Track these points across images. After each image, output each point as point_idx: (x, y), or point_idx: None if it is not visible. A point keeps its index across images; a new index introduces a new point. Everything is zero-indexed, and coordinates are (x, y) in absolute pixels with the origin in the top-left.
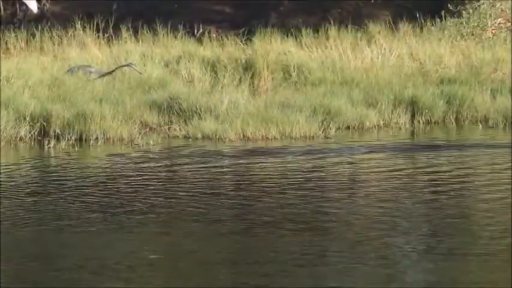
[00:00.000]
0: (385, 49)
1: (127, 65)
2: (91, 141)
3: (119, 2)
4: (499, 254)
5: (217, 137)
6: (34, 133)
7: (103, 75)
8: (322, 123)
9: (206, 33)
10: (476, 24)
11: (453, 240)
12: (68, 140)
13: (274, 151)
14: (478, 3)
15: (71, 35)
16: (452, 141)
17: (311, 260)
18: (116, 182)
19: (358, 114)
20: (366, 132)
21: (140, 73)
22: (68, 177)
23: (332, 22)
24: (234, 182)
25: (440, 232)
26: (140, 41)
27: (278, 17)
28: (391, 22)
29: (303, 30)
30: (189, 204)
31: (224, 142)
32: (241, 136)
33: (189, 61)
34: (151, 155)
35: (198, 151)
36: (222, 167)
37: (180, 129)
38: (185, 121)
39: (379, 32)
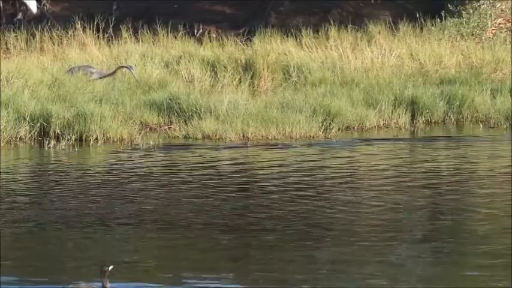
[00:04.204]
0: (385, 49)
1: (127, 67)
2: (91, 142)
3: (118, 2)
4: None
5: (217, 137)
6: (34, 133)
7: (104, 77)
8: (323, 123)
9: (206, 34)
10: (476, 24)
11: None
12: (68, 140)
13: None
14: (478, 4)
15: (71, 35)
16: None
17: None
18: (115, 183)
19: (358, 114)
20: (366, 132)
21: (137, 80)
22: (67, 177)
23: (332, 22)
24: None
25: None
26: (140, 41)
27: (278, 17)
28: (391, 22)
29: (303, 31)
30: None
31: (225, 142)
32: (242, 136)
33: (189, 61)
34: (151, 155)
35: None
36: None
37: (180, 129)
38: (185, 121)
39: (379, 32)
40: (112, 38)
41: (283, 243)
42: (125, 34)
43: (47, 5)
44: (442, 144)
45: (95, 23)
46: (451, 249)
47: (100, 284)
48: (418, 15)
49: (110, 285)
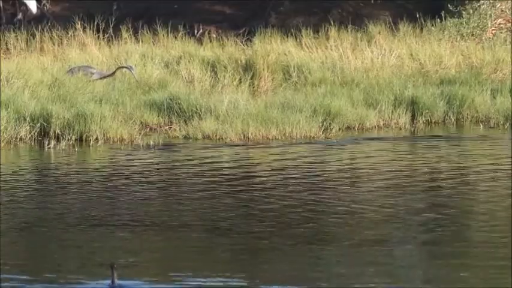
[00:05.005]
0: (385, 49)
1: (127, 67)
2: (91, 142)
3: (118, 2)
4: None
5: (217, 137)
6: (34, 133)
7: (104, 77)
8: (323, 123)
9: (206, 34)
10: (476, 24)
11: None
12: (68, 140)
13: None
14: (478, 4)
15: (71, 36)
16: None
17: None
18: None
19: (358, 114)
20: (366, 132)
21: (137, 80)
22: (67, 178)
23: (332, 22)
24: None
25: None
26: (140, 42)
27: (278, 17)
28: (391, 22)
29: (303, 31)
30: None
31: (225, 142)
32: (242, 137)
33: (189, 61)
34: (151, 156)
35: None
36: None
37: (180, 129)
38: (185, 121)
39: (379, 33)
40: (112, 38)
41: (282, 244)
42: (125, 34)
43: (47, 5)
44: (441, 144)
45: (95, 23)
46: (450, 249)
47: (109, 281)
48: (418, 16)
49: (115, 282)
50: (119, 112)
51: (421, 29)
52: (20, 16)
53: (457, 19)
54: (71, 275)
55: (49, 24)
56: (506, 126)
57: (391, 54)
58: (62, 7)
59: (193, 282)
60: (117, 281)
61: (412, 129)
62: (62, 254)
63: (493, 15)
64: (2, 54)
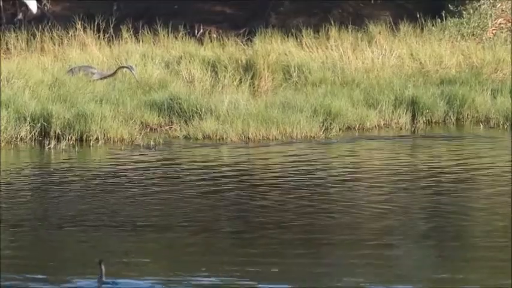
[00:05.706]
0: (385, 49)
1: (127, 67)
2: (91, 142)
3: (119, 2)
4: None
5: (217, 137)
6: (34, 133)
7: (104, 77)
8: (323, 123)
9: (207, 34)
10: (476, 24)
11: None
12: (68, 140)
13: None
14: (479, 4)
15: (71, 36)
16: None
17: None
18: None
19: (358, 114)
20: (366, 132)
21: (137, 80)
22: (67, 178)
23: (332, 22)
24: None
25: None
26: (141, 42)
27: (278, 17)
28: (392, 22)
29: (304, 31)
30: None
31: (226, 142)
32: (242, 137)
33: (189, 61)
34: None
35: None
36: None
37: (180, 129)
38: (185, 121)
39: (380, 33)
40: (112, 38)
41: (281, 244)
42: (125, 34)
43: (48, 5)
44: (441, 144)
45: (96, 23)
46: (451, 249)
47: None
48: (418, 16)
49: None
50: (119, 112)
51: (422, 29)
52: (20, 16)
53: (457, 19)
54: (69, 274)
55: (49, 24)
56: (506, 126)
57: (392, 54)
58: (62, 7)
59: (188, 279)
60: (104, 279)
61: (413, 129)
62: (60, 254)
63: (493, 15)
64: (2, 54)
